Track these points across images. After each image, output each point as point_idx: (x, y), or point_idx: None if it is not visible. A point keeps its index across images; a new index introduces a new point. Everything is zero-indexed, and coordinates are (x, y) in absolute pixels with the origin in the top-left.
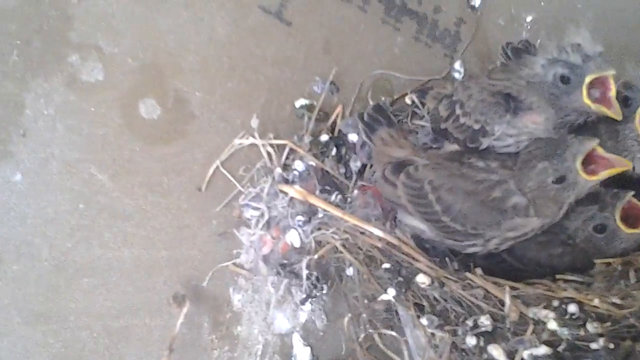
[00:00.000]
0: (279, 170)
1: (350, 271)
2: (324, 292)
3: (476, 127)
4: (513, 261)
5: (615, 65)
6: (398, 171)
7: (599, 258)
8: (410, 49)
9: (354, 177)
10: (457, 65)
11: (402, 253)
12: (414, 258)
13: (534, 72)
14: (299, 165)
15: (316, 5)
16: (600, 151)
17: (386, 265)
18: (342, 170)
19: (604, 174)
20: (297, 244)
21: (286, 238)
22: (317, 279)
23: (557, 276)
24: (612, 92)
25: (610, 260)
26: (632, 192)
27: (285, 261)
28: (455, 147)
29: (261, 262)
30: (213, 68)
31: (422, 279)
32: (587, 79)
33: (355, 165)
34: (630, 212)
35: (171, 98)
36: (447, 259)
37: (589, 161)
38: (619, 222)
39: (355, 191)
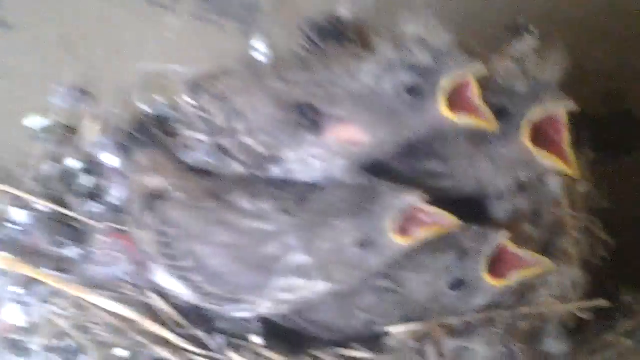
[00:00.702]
0: None
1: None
2: None
3: (263, 151)
4: (303, 324)
5: None
6: (148, 207)
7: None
8: (191, 31)
9: (104, 219)
10: (259, 44)
11: (146, 332)
12: (162, 339)
13: (363, 84)
14: (19, 216)
15: None
16: (423, 206)
17: (122, 353)
18: (95, 208)
19: (422, 235)
20: (22, 322)
21: (3, 315)
22: None
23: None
24: (476, 94)
25: (403, 329)
26: (506, 233)
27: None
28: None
29: None
30: None
31: None
32: (445, 84)
33: (115, 198)
34: (499, 257)
35: None
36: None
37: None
38: (485, 275)
39: (102, 240)
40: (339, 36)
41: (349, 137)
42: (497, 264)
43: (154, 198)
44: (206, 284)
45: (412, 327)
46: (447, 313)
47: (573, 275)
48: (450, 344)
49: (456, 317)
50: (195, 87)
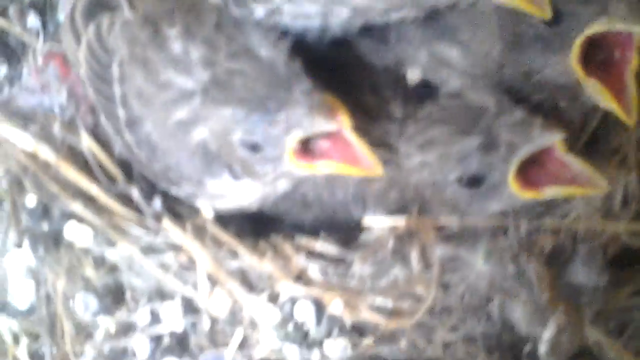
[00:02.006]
0: None
1: None
2: None
3: None
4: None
5: None
6: (92, 17)
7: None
8: None
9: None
10: None
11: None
12: (82, 192)
13: None
14: None
15: None
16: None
17: (30, 203)
18: (36, 23)
19: (326, 168)
20: None
21: None
22: None
23: (305, 242)
24: None
25: (386, 223)
26: (560, 133)
27: None
28: None
29: None
30: None
31: (76, 231)
32: None
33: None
34: (536, 159)
35: None
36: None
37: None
38: (512, 180)
39: (36, 62)
40: None
41: None
42: (532, 169)
43: (98, 6)
44: (138, 149)
45: (396, 221)
46: (449, 210)
47: (627, 183)
48: (441, 250)
49: (456, 217)
50: None
